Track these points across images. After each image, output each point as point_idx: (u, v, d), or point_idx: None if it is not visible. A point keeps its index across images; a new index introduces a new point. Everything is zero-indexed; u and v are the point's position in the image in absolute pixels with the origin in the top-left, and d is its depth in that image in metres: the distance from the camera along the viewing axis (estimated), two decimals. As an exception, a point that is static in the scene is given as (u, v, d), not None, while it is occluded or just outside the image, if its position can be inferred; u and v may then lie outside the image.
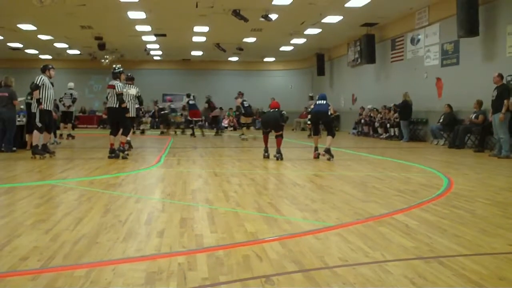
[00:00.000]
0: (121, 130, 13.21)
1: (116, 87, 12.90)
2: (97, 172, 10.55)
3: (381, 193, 7.91)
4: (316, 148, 13.51)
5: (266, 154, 13.42)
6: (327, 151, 12.97)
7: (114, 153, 12.98)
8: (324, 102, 13.31)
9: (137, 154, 14.56)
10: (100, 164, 11.90)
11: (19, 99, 15.28)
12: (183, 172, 10.59)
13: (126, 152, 13.17)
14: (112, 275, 3.97)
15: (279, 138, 13.03)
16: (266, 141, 13.52)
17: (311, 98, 25.28)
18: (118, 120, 13.04)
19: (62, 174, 10.35)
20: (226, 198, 7.33)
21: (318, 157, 13.28)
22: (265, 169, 11.40)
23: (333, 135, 13.33)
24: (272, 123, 13.15)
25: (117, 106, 12.88)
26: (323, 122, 13.58)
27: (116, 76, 13.19)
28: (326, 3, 19.44)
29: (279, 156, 12.93)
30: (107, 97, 13.24)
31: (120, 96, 12.88)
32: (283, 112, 13.20)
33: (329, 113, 13.23)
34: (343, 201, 7.12)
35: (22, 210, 6.55)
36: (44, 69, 13.16)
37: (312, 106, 13.77)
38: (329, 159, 12.85)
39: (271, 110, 13.39)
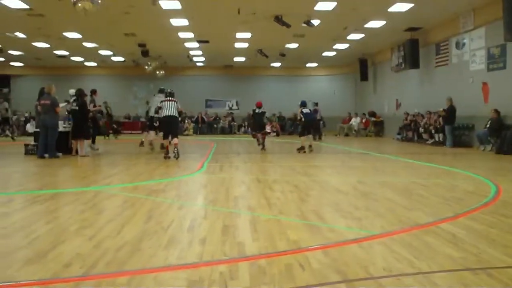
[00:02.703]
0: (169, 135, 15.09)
1: (178, 102, 15.20)
2: (140, 177, 10.63)
3: (426, 200, 7.75)
4: (303, 147, 17.57)
5: (260, 145, 18.70)
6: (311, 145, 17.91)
7: (168, 153, 14.92)
8: (309, 110, 18.25)
9: (180, 160, 14.62)
10: (143, 170, 12.00)
11: (61, 105, 15.58)
12: (225, 178, 10.59)
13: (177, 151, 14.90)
14: (154, 283, 3.96)
15: (264, 135, 19.13)
16: (258, 138, 18.99)
17: (316, 104, 27.78)
18: (175, 126, 15.20)
19: (106, 180, 10.44)
20: (269, 205, 7.27)
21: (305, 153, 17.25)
22: (308, 175, 11.30)
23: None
24: (262, 126, 19.27)
25: (176, 115, 15.04)
26: (312, 127, 18.80)
27: (173, 95, 15.43)
28: (369, 8, 19.27)
29: (263, 146, 18.57)
30: (159, 108, 15.34)
31: (182, 111, 15.99)
32: (266, 114, 19.73)
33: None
34: (387, 209, 6.99)
35: (67, 216, 6.62)
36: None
37: (301, 112, 17.77)
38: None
39: (257, 111, 18.86)
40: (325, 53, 31.22)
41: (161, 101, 15.37)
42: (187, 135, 29.42)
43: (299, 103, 18.20)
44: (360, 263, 4.43)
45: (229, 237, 5.35)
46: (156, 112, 15.87)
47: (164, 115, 15.04)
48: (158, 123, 16.86)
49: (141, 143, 19.87)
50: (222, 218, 6.33)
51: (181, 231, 5.70)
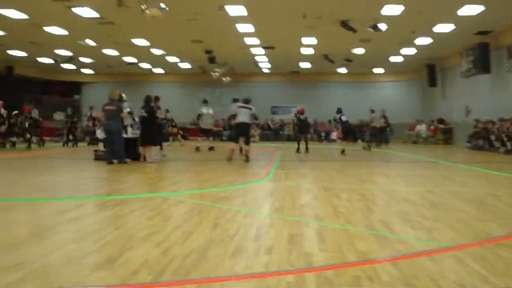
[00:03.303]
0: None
1: (252, 109, 16.67)
2: (207, 184, 10.69)
3: (499, 212, 7.48)
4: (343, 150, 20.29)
5: (300, 151, 20.60)
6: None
7: (232, 157, 16.56)
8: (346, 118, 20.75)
9: (246, 166, 14.68)
10: (210, 177, 12.07)
11: (125, 111, 15.85)
12: (291, 186, 10.53)
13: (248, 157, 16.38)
14: (220, 292, 3.95)
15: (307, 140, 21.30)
16: (300, 143, 21.17)
17: (373, 111, 27.96)
18: (247, 132, 16.72)
19: (173, 186, 10.55)
20: (336, 214, 7.16)
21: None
22: (374, 184, 11.14)
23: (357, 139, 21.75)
24: (307, 131, 22.10)
25: (249, 121, 16.61)
26: (350, 132, 21.27)
27: (249, 102, 16.96)
28: (437, 12, 18.90)
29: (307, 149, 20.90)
30: (233, 115, 17.30)
31: (255, 115, 17.37)
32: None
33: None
34: (458, 220, 6.78)
35: (135, 222, 6.71)
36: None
37: (339, 119, 20.85)
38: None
39: (302, 118, 21.20)
40: (392, 58, 30.78)
41: (237, 107, 17.01)
42: (253, 141, 29.52)
43: (336, 110, 21.24)
44: (430, 276, 4.30)
45: (295, 247, 5.29)
46: (230, 118, 18.14)
47: (238, 121, 16.63)
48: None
49: (197, 148, 21.72)
50: (289, 227, 6.28)
51: (247, 239, 5.67)
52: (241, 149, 17.84)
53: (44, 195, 9.25)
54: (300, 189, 10.07)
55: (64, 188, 10.58)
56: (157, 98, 17.91)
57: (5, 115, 20.72)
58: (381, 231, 6.06)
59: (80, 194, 9.55)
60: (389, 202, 8.55)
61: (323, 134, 34.28)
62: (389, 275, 4.32)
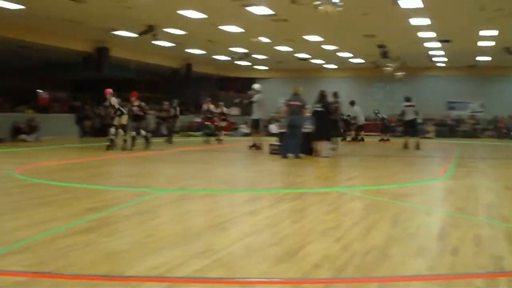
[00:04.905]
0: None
1: (415, 106, 19.28)
2: (382, 181, 10.50)
3: None
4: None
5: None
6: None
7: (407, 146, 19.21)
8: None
9: (422, 163, 14.28)
10: (384, 173, 11.87)
11: (307, 107, 15.93)
12: (472, 184, 10.04)
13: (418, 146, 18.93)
14: (405, 292, 3.83)
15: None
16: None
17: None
18: (415, 127, 19.51)
19: (348, 182, 10.51)
20: (524, 216, 6.71)
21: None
22: None
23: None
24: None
25: (415, 117, 19.07)
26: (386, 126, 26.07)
27: (410, 99, 19.38)
28: None
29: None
30: (403, 112, 19.47)
31: (416, 111, 19.44)
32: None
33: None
34: None
35: (313, 215, 6.76)
36: None
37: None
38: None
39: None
40: None
41: (404, 106, 19.47)
42: (428, 138, 28.65)
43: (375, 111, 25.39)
44: None
45: (482, 248, 5.01)
46: (401, 115, 20.18)
47: (406, 119, 19.20)
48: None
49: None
50: (473, 228, 5.98)
51: (430, 239, 5.46)
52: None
53: (225, 187, 9.59)
54: (481, 188, 9.55)
55: (242, 181, 10.93)
56: (335, 94, 18.59)
57: (116, 105, 19.31)
58: None
59: (258, 187, 9.79)
60: None
61: (504, 130, 32.31)
62: None
